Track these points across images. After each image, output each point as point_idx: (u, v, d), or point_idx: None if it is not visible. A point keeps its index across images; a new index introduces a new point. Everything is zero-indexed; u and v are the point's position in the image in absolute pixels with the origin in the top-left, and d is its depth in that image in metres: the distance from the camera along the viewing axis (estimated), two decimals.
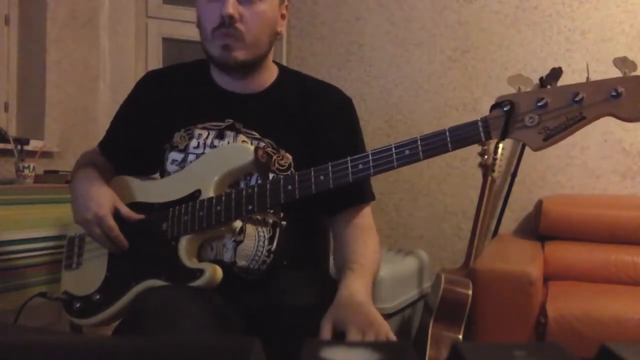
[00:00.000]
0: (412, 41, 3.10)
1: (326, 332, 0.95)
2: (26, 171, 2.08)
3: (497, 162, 2.43)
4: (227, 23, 1.10)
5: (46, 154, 2.50)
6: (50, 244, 1.88)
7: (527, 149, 2.74)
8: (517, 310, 2.00)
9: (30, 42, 2.59)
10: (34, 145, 2.30)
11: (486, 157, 2.41)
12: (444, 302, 2.06)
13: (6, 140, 2.21)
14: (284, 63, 3.21)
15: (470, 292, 2.03)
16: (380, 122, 3.11)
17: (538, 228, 2.59)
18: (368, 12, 3.18)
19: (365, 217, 1.22)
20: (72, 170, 1.34)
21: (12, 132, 2.50)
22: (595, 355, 0.38)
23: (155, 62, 3.01)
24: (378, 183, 3.27)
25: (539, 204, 2.60)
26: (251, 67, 1.18)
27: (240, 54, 1.14)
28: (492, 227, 2.82)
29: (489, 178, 2.41)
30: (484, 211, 2.40)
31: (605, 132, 2.77)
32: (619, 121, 2.86)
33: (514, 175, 2.77)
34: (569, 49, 2.78)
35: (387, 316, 2.23)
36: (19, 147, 2.16)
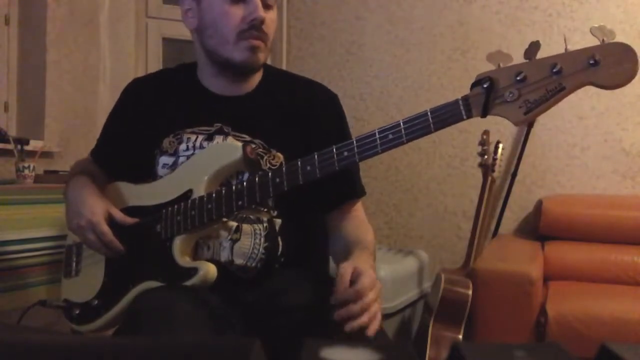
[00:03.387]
0: (412, 41, 3.10)
1: (347, 275, 0.96)
2: (26, 171, 2.08)
3: (497, 162, 2.43)
4: (258, 27, 1.13)
5: (46, 154, 2.50)
6: (50, 244, 1.88)
7: (527, 149, 2.75)
8: (517, 310, 2.00)
9: (30, 42, 2.59)
10: (34, 145, 2.30)
11: (486, 157, 2.41)
12: (444, 302, 2.06)
13: (6, 140, 2.21)
14: (284, 63, 3.22)
15: (470, 292, 2.03)
16: (380, 122, 3.11)
17: (538, 228, 2.59)
18: (368, 12, 3.18)
19: (359, 211, 1.26)
20: (66, 179, 1.35)
21: (12, 132, 2.50)
22: (595, 355, 0.38)
23: (155, 62, 3.01)
24: (378, 183, 3.29)
25: (539, 204, 2.60)
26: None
27: (262, 57, 1.18)
28: (492, 227, 2.82)
29: (489, 178, 2.41)
30: (484, 211, 2.40)
31: (605, 132, 2.77)
32: (619, 121, 2.85)
33: (514, 175, 2.77)
34: (569, 49, 2.77)
35: (387, 316, 2.23)
36: (19, 147, 2.16)
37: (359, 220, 1.24)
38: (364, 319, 0.93)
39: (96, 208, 1.17)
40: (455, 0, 3.02)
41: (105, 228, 1.15)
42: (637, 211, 2.46)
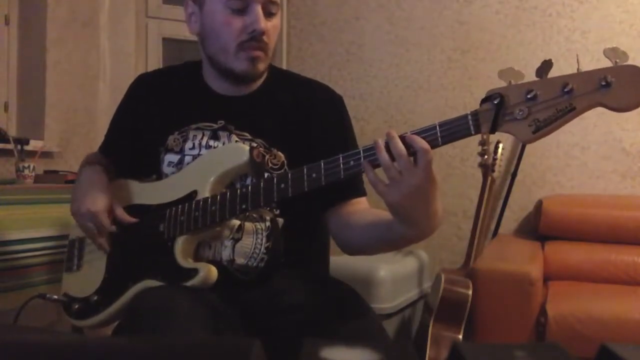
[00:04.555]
0: (412, 41, 3.10)
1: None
2: (26, 171, 2.07)
3: (497, 162, 2.43)
4: (258, 38, 1.13)
5: (46, 154, 2.50)
6: (51, 244, 1.88)
7: (527, 149, 2.74)
8: (517, 310, 2.00)
9: (30, 42, 2.59)
10: (34, 145, 2.30)
11: (486, 157, 2.41)
12: (444, 302, 2.06)
13: (6, 140, 2.21)
14: (284, 63, 3.22)
15: (470, 292, 2.03)
16: (380, 122, 3.11)
17: (538, 228, 2.59)
18: (368, 12, 3.18)
19: (364, 204, 1.21)
20: (80, 166, 1.38)
21: (12, 132, 2.50)
22: (595, 355, 0.38)
23: (155, 62, 3.00)
24: None
25: (539, 204, 2.60)
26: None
27: (262, 66, 1.17)
28: (492, 227, 2.82)
29: (489, 178, 2.41)
30: (484, 211, 2.40)
31: (605, 132, 2.77)
32: (619, 121, 2.85)
33: (514, 175, 2.77)
34: (569, 49, 2.77)
35: (387, 316, 2.23)
36: (19, 147, 2.16)
37: (367, 208, 1.19)
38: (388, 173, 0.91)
39: (99, 200, 1.19)
40: (455, 0, 3.02)
41: (105, 221, 1.17)
42: (637, 211, 2.45)
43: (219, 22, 1.14)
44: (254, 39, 1.13)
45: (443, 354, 2.02)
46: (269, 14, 1.15)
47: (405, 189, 0.90)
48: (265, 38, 1.14)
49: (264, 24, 1.12)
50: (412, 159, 0.90)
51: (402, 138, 0.92)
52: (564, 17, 2.83)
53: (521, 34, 2.89)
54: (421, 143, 0.90)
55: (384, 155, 0.91)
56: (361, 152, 0.98)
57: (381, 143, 0.92)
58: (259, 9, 1.12)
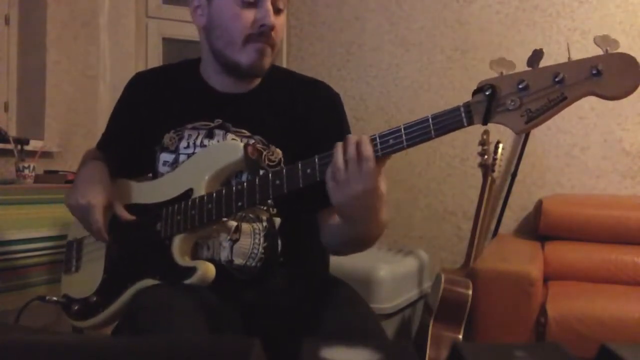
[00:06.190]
0: (412, 41, 3.10)
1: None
2: (26, 171, 2.07)
3: (497, 162, 2.43)
4: (267, 33, 1.13)
5: (46, 154, 2.50)
6: (50, 244, 1.88)
7: (527, 149, 2.75)
8: (517, 310, 2.00)
9: (30, 42, 2.59)
10: (34, 145, 2.30)
11: (486, 157, 2.41)
12: (444, 302, 2.06)
13: (6, 140, 2.21)
14: (284, 63, 3.22)
15: (470, 292, 2.03)
16: (380, 122, 3.11)
17: (538, 228, 2.59)
18: (368, 12, 3.18)
19: None
20: (81, 161, 1.37)
21: (12, 132, 2.50)
22: (595, 355, 0.38)
23: (156, 62, 3.00)
24: None
25: (539, 204, 2.60)
26: None
27: (268, 62, 1.17)
28: (492, 227, 2.82)
29: (489, 178, 2.41)
30: (484, 211, 2.40)
31: (605, 132, 2.77)
32: (619, 121, 2.85)
33: (514, 175, 2.77)
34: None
35: (387, 316, 2.23)
36: (19, 147, 2.16)
37: None
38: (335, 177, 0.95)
39: (100, 194, 1.18)
40: (455, 0, 3.02)
41: (99, 217, 1.16)
42: (637, 211, 2.45)
43: (228, 14, 1.13)
44: (263, 34, 1.13)
45: (443, 354, 2.02)
46: (277, 10, 1.14)
47: (349, 191, 0.94)
48: (273, 34, 1.14)
49: (273, 19, 1.12)
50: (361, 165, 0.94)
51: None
52: (564, 17, 2.83)
53: (521, 34, 2.89)
54: (366, 152, 0.93)
55: (338, 157, 0.95)
56: None
57: (341, 145, 0.96)
58: (269, 4, 1.12)
